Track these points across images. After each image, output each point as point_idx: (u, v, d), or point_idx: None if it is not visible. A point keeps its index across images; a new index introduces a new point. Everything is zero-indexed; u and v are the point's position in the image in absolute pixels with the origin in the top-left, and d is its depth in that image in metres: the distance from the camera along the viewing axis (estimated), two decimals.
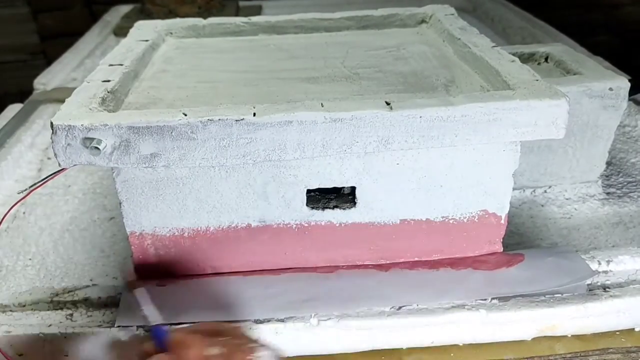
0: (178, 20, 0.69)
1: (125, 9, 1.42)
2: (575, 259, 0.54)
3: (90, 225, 0.65)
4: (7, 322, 0.50)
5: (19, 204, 0.60)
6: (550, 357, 0.51)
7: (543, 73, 0.66)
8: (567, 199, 0.67)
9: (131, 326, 0.48)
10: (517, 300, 0.51)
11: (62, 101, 0.47)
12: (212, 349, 0.36)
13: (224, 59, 0.62)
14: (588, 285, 0.53)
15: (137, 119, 0.44)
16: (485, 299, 0.51)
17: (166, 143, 0.44)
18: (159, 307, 0.49)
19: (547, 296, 0.51)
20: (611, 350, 0.51)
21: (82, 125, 0.43)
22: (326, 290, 0.51)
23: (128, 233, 0.51)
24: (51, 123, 0.43)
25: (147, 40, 0.62)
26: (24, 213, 0.67)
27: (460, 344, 0.51)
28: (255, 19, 0.69)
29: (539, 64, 0.70)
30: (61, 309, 0.51)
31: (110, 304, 0.51)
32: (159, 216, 0.50)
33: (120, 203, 0.49)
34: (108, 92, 0.49)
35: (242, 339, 0.37)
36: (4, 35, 2.04)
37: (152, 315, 0.43)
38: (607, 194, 0.68)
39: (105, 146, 0.44)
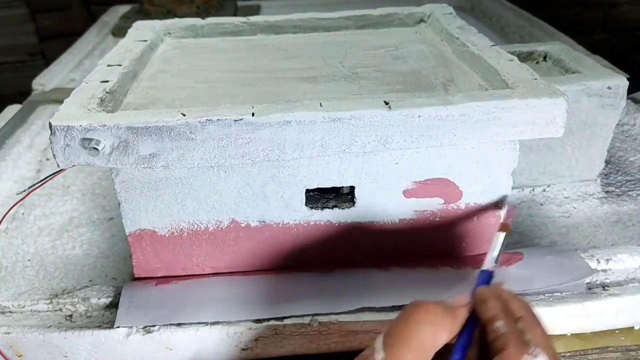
0: (176, 20, 0.69)
1: (123, 9, 1.42)
2: (575, 258, 0.54)
3: (89, 226, 0.65)
4: (6, 323, 0.50)
5: (17, 204, 0.60)
6: None
7: (541, 72, 0.66)
8: (566, 197, 0.67)
9: (131, 327, 0.48)
10: None
11: (61, 102, 0.47)
12: (499, 323, 0.35)
13: (223, 59, 0.62)
14: (587, 283, 0.53)
15: (135, 119, 0.44)
16: None
17: (165, 143, 0.44)
18: (159, 307, 0.49)
19: (546, 295, 0.51)
20: (610, 348, 0.51)
21: (80, 125, 0.43)
22: (325, 289, 0.51)
23: (127, 233, 0.51)
24: (50, 124, 0.43)
25: (145, 41, 0.62)
26: (23, 214, 0.67)
27: None
28: (253, 18, 0.69)
29: (537, 62, 0.70)
30: (60, 309, 0.51)
31: (110, 304, 0.51)
32: (158, 216, 0.50)
33: (119, 203, 0.49)
34: (107, 92, 0.49)
35: (535, 337, 0.35)
36: (2, 36, 2.03)
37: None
38: (606, 192, 0.68)
39: (104, 147, 0.44)
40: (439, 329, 0.35)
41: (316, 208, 0.51)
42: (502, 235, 0.45)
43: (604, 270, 0.54)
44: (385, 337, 0.35)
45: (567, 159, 0.67)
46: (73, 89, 0.49)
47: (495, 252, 0.44)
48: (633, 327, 0.53)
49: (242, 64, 0.60)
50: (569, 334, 0.52)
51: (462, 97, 0.46)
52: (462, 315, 0.37)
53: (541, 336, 0.35)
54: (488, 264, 0.43)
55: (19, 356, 0.49)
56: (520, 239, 0.61)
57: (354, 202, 0.51)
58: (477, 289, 0.39)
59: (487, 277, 0.42)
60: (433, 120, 0.45)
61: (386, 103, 0.45)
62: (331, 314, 0.49)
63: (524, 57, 0.69)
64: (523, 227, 0.62)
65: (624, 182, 0.70)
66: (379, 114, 0.44)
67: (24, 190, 0.54)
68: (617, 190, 0.68)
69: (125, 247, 0.59)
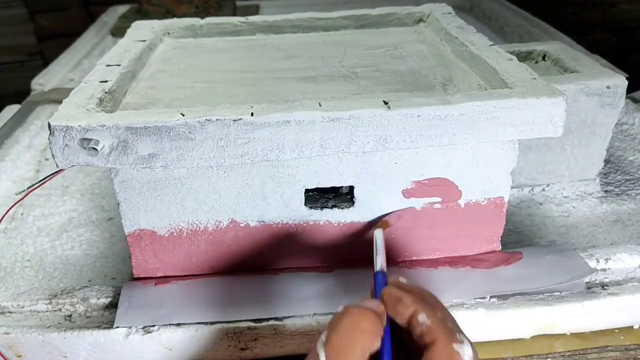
0: (175, 20, 0.69)
1: (122, 9, 1.42)
2: (574, 257, 0.54)
3: (88, 226, 0.65)
4: (6, 324, 0.50)
5: (17, 205, 0.60)
6: (549, 356, 0.51)
7: (540, 71, 0.66)
8: (565, 197, 0.67)
9: (130, 327, 0.48)
10: (515, 298, 0.51)
11: (60, 102, 0.47)
12: (422, 315, 0.35)
13: (222, 59, 0.62)
14: (586, 283, 0.53)
15: (134, 119, 0.44)
16: (484, 298, 0.51)
17: (164, 143, 0.44)
18: (158, 307, 0.49)
19: (545, 294, 0.51)
20: (610, 348, 0.51)
21: (79, 126, 0.43)
22: (325, 289, 0.51)
23: (126, 233, 0.51)
24: (49, 124, 0.43)
25: (144, 41, 0.62)
26: (22, 214, 0.67)
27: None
28: (252, 18, 0.69)
29: (536, 62, 0.70)
30: (60, 310, 0.51)
31: (109, 304, 0.51)
32: (157, 216, 0.50)
33: (118, 204, 0.49)
34: (106, 92, 0.49)
35: (453, 323, 0.35)
36: (1, 36, 2.04)
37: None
38: (605, 191, 0.68)
39: (103, 147, 0.44)
40: (376, 335, 0.35)
41: (315, 208, 0.51)
42: (381, 232, 0.45)
43: (603, 270, 0.54)
44: (328, 347, 0.34)
45: (566, 159, 0.67)
46: (72, 89, 0.49)
47: (383, 251, 0.44)
48: (632, 327, 0.53)
49: (241, 64, 0.60)
50: (568, 334, 0.52)
51: (461, 97, 0.46)
52: (385, 319, 0.36)
53: (454, 320, 0.35)
54: (380, 264, 0.42)
55: (19, 356, 0.49)
56: (520, 239, 0.61)
57: (353, 202, 0.51)
58: (383, 291, 0.38)
59: (384, 278, 0.41)
60: (432, 120, 0.45)
61: (385, 103, 0.45)
62: (331, 314, 0.49)
63: (523, 57, 0.69)
64: (522, 227, 0.63)
65: (623, 181, 0.70)
66: (378, 114, 0.44)
67: (23, 191, 0.54)
68: (616, 189, 0.68)
69: (125, 247, 0.59)
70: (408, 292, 0.37)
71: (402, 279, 0.39)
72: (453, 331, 0.34)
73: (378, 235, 0.45)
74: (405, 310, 0.36)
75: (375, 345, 0.34)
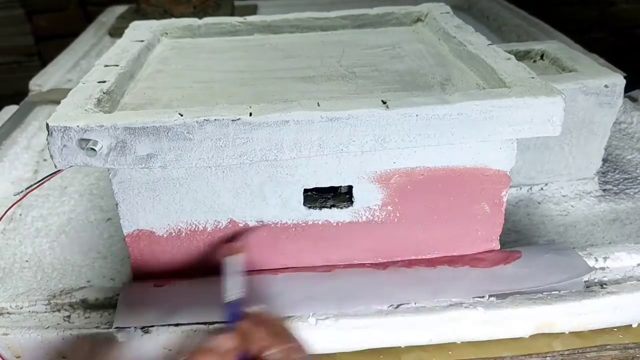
0: (173, 20, 0.69)
1: (120, 9, 1.42)
2: (572, 256, 0.54)
3: (87, 227, 0.65)
4: (5, 325, 0.50)
5: (15, 205, 0.60)
6: (548, 355, 0.51)
7: (539, 70, 0.66)
8: (563, 196, 0.67)
9: (129, 327, 0.48)
10: (514, 297, 0.51)
11: (58, 102, 0.47)
12: (272, 352, 0.36)
13: (220, 59, 0.62)
14: (585, 282, 0.53)
15: (133, 119, 0.43)
16: (483, 297, 0.51)
17: (162, 143, 0.44)
18: (157, 307, 0.49)
19: (544, 293, 0.51)
20: (609, 346, 0.51)
21: (78, 126, 0.43)
22: (324, 289, 0.51)
23: (125, 234, 0.51)
24: (47, 124, 0.43)
25: (142, 41, 0.62)
26: (20, 215, 0.67)
27: (459, 342, 0.51)
28: (250, 18, 0.69)
29: (534, 61, 0.70)
30: (58, 310, 0.51)
31: (108, 305, 0.51)
32: (156, 217, 0.50)
33: (116, 204, 0.49)
34: (104, 93, 0.49)
35: (298, 352, 0.37)
36: None
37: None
38: (604, 190, 0.68)
39: (102, 147, 0.44)
40: None
41: (314, 208, 0.51)
42: (236, 258, 0.45)
43: (602, 268, 0.54)
44: None
45: (565, 158, 0.67)
46: (70, 89, 0.49)
47: (236, 278, 0.43)
48: (631, 325, 0.53)
49: (239, 64, 0.60)
50: (567, 332, 0.52)
51: (460, 96, 0.46)
52: (233, 356, 0.37)
53: (303, 354, 0.37)
54: (231, 293, 0.42)
55: (17, 357, 0.49)
56: (518, 238, 0.61)
57: (352, 202, 0.51)
58: (237, 325, 0.38)
59: (237, 308, 0.41)
60: (431, 120, 0.45)
61: (384, 102, 0.45)
62: (330, 314, 0.49)
63: (521, 56, 0.69)
64: (521, 226, 0.63)
65: (621, 180, 0.70)
66: (377, 114, 0.44)
67: (22, 191, 0.54)
68: (615, 188, 0.68)
69: (123, 248, 0.59)
70: (258, 325, 0.38)
71: (261, 308, 0.40)
72: None
73: (229, 261, 0.45)
74: (253, 346, 0.37)
75: None
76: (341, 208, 0.51)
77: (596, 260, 0.54)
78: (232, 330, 0.39)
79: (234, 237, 0.50)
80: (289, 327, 0.39)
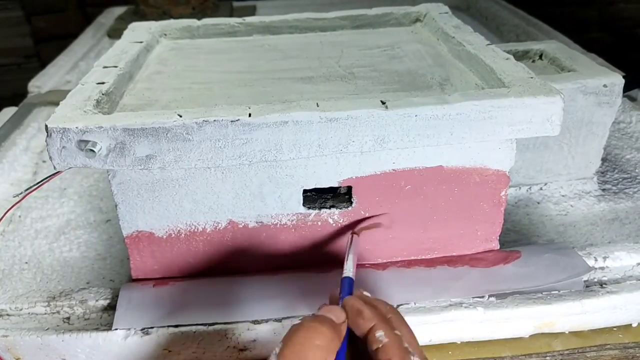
0: (172, 21, 0.69)
1: (119, 10, 1.42)
2: (572, 256, 0.54)
3: (86, 228, 0.65)
4: (4, 326, 0.50)
5: (14, 207, 0.60)
6: (547, 354, 0.51)
7: (537, 70, 0.66)
8: (563, 195, 0.67)
9: (129, 329, 0.48)
10: (514, 297, 0.51)
11: (57, 104, 0.47)
12: (380, 333, 0.35)
13: (219, 60, 0.62)
14: (585, 281, 0.53)
15: (132, 120, 0.43)
16: (482, 297, 0.51)
17: (162, 145, 0.44)
18: (156, 308, 0.49)
19: (544, 293, 0.51)
20: (609, 346, 0.51)
21: (77, 127, 0.43)
22: (323, 289, 0.51)
23: (124, 235, 0.51)
24: (46, 126, 0.43)
25: (141, 42, 0.62)
26: (19, 216, 0.67)
27: (458, 342, 0.51)
28: (249, 19, 0.69)
29: (533, 61, 0.70)
30: (58, 312, 0.51)
31: (108, 306, 0.51)
32: (155, 218, 0.50)
33: (116, 205, 0.49)
34: (103, 94, 0.49)
35: (411, 343, 0.36)
36: None
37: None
38: (603, 190, 0.68)
39: (101, 148, 0.44)
40: (330, 351, 0.35)
41: (313, 208, 0.51)
42: (355, 237, 0.46)
43: (602, 268, 0.54)
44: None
45: (564, 157, 0.67)
46: (69, 91, 0.49)
47: (353, 257, 0.44)
48: (631, 325, 0.53)
49: (238, 65, 0.60)
50: (567, 332, 0.52)
51: (459, 96, 0.46)
52: (344, 331, 0.36)
53: (413, 340, 0.36)
54: (349, 269, 0.42)
55: (17, 359, 0.49)
56: (518, 237, 0.61)
57: (352, 202, 0.51)
58: (344, 301, 0.38)
59: (351, 285, 0.41)
60: (430, 120, 0.45)
61: (383, 103, 0.45)
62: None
63: (520, 56, 0.69)
64: (520, 226, 0.63)
65: (620, 179, 0.70)
66: (376, 114, 0.44)
67: (21, 193, 0.54)
68: (614, 188, 0.68)
69: (123, 249, 0.59)
70: (369, 306, 0.37)
71: (365, 293, 0.39)
72: (408, 352, 0.34)
73: (356, 239, 0.45)
74: (364, 324, 0.36)
75: (331, 359, 0.35)
76: (341, 208, 0.51)
77: (596, 259, 0.54)
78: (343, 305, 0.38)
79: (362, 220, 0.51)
80: (399, 314, 0.38)
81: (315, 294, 0.50)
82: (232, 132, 0.44)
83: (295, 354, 0.34)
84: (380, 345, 0.35)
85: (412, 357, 0.34)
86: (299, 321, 0.35)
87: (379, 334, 0.35)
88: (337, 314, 0.36)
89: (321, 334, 0.35)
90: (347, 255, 0.44)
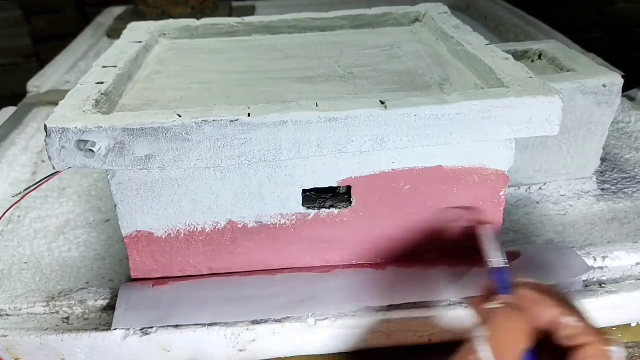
0: (171, 21, 0.69)
1: (118, 10, 1.42)
2: (571, 255, 0.54)
3: (85, 228, 0.65)
4: (3, 326, 0.50)
5: (13, 207, 0.60)
6: None
7: (537, 70, 0.66)
8: (562, 195, 0.67)
9: (128, 329, 0.48)
10: None
11: (56, 104, 0.47)
12: (568, 319, 0.35)
13: (218, 60, 0.62)
14: (584, 281, 0.53)
15: (131, 120, 0.43)
16: None
17: (161, 144, 0.44)
18: (156, 308, 0.49)
19: None
20: None
21: (76, 127, 0.43)
22: (323, 290, 0.51)
23: (124, 235, 0.50)
24: (45, 126, 0.43)
25: (140, 42, 0.62)
26: (18, 217, 0.67)
27: (459, 342, 0.51)
28: (248, 19, 0.69)
29: (532, 61, 0.70)
30: (57, 312, 0.51)
31: (107, 306, 0.51)
32: (155, 218, 0.50)
33: (115, 205, 0.49)
34: (102, 94, 0.49)
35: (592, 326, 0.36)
36: None
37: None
38: (602, 190, 0.68)
39: (100, 148, 0.44)
40: (530, 337, 0.35)
41: (313, 208, 0.51)
42: (489, 227, 0.46)
43: (601, 268, 0.54)
44: (492, 344, 0.34)
45: (563, 157, 0.67)
46: (68, 90, 0.49)
47: (496, 246, 0.44)
48: (630, 324, 0.53)
49: (237, 65, 0.60)
50: None
51: (458, 96, 0.46)
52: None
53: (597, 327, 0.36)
54: (497, 261, 0.42)
55: (16, 359, 0.49)
56: (517, 237, 0.61)
57: (351, 202, 0.51)
58: (519, 293, 0.38)
59: (505, 276, 0.41)
60: (429, 120, 0.45)
61: (382, 102, 0.45)
62: (329, 314, 0.49)
63: (519, 56, 0.69)
64: (520, 226, 0.63)
65: (619, 179, 0.70)
66: (375, 114, 0.44)
67: (20, 193, 0.54)
68: (613, 187, 0.68)
69: (122, 249, 0.59)
70: (547, 294, 0.37)
71: (529, 280, 0.39)
72: (602, 333, 0.35)
73: (485, 230, 0.45)
74: (546, 312, 0.36)
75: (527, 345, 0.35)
76: (340, 208, 0.51)
77: (595, 259, 0.54)
78: (511, 296, 0.38)
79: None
80: (570, 297, 0.38)
81: (314, 294, 0.51)
82: (232, 132, 0.44)
83: (506, 338, 0.35)
84: (572, 330, 0.35)
85: (608, 338, 0.34)
86: (490, 307, 0.36)
87: (570, 319, 0.35)
88: (524, 297, 0.37)
89: (524, 320, 0.36)
90: (490, 246, 0.44)
